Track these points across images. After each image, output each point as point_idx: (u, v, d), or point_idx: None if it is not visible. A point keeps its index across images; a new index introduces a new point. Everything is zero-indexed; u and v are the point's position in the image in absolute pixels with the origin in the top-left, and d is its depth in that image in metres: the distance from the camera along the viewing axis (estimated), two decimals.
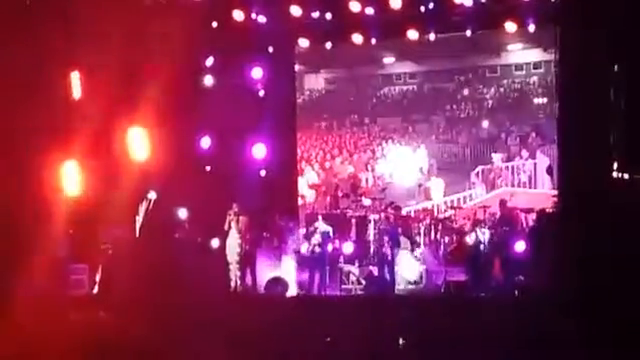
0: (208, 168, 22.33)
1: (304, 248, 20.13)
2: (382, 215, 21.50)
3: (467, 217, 21.90)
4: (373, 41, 22.66)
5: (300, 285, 20.16)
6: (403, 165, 32.60)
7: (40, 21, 19.32)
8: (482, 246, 19.41)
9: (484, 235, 19.66)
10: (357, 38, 22.62)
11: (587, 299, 15.09)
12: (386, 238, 19.97)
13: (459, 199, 27.99)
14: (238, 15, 21.83)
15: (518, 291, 17.84)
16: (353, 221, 21.96)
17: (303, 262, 20.11)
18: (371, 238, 21.18)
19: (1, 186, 18.88)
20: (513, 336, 15.25)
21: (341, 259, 20.66)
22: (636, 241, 15.22)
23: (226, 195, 21.09)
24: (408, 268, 19.99)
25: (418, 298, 18.91)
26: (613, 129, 16.32)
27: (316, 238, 20.13)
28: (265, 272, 20.66)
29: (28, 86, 19.28)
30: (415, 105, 41.33)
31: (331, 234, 20.56)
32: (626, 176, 16.20)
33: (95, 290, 19.60)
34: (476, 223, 20.24)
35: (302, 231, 21.13)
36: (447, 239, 21.20)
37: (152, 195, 20.48)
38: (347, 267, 20.63)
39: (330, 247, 20.54)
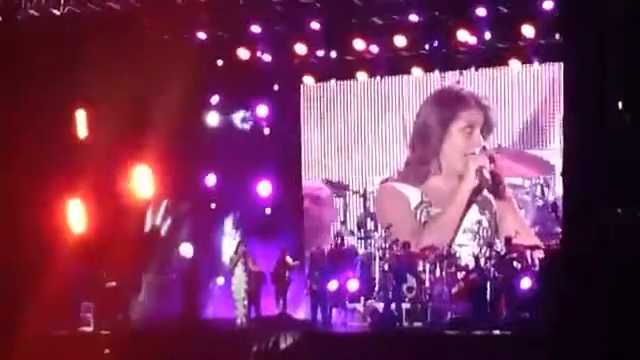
0: (213, 206, 22.38)
1: (309, 285, 20.08)
2: (387, 252, 21.39)
3: (472, 254, 21.80)
4: (377, 79, 22.76)
5: (306, 322, 20.07)
6: None
7: (46, 60, 19.50)
8: (487, 283, 19.34)
9: (489, 272, 19.59)
10: (362, 76, 22.72)
11: (593, 336, 14.99)
12: (391, 275, 19.91)
13: None
14: (243, 53, 21.96)
15: (524, 328, 17.74)
16: (359, 258, 21.86)
17: (309, 299, 20.06)
18: (376, 275, 21.08)
19: (6, 224, 18.95)
20: None
21: (346, 296, 20.59)
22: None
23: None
24: None
25: (423, 335, 18.82)
26: (618, 167, 16.27)
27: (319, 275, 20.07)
28: (271, 309, 20.62)
29: (34, 124, 19.42)
30: None
31: None
32: (631, 212, 16.16)
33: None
34: (481, 260, 20.11)
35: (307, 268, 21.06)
36: (452, 276, 21.05)
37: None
38: (352, 304, 20.56)
39: (335, 284, 20.45)
